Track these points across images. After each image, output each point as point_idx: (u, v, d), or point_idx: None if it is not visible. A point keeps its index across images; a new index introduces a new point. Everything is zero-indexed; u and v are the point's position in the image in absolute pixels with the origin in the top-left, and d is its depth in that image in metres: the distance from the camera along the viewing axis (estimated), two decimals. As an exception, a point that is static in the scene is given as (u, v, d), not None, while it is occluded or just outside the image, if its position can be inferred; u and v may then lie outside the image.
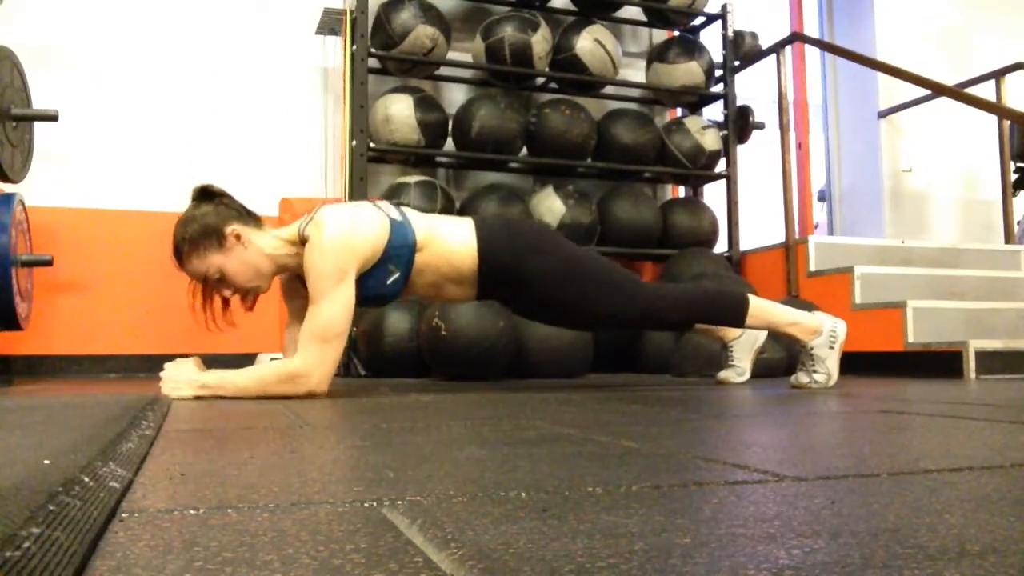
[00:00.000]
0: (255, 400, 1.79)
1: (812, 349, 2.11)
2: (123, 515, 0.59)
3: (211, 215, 1.92)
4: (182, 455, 0.91)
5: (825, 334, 2.11)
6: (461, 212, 3.55)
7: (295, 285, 2.10)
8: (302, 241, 1.91)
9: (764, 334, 2.40)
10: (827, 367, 2.10)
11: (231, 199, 1.99)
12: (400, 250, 1.94)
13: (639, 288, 2.12)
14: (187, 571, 0.44)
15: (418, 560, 0.46)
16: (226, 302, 1.98)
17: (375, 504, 0.62)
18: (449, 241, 2.00)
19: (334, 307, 1.84)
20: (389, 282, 1.96)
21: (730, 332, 2.39)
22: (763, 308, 2.14)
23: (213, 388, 1.84)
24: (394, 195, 3.40)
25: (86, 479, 0.66)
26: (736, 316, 2.14)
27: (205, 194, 1.97)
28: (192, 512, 0.60)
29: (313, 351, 1.83)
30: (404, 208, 2.05)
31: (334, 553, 0.47)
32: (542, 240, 2.08)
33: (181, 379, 1.86)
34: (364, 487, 0.69)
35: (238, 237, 1.92)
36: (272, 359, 3.23)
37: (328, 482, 0.72)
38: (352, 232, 1.86)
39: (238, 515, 0.59)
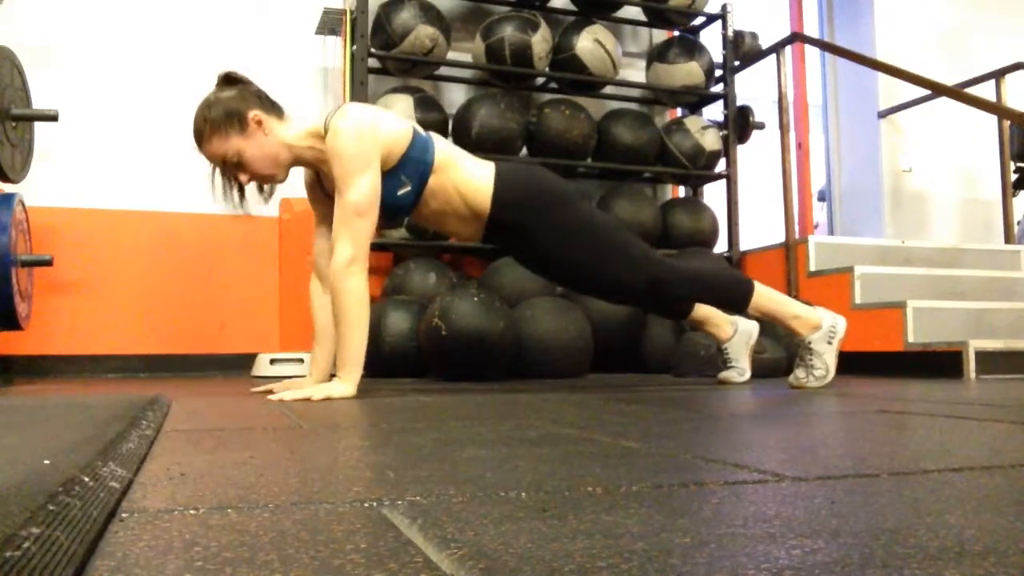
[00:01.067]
0: (255, 400, 1.79)
1: (810, 343, 2.11)
2: (123, 515, 0.59)
3: (235, 99, 1.93)
4: (182, 455, 0.91)
5: (824, 329, 2.11)
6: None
7: (318, 193, 2.13)
8: (326, 132, 1.92)
9: (755, 331, 2.40)
10: (824, 362, 2.10)
11: (255, 86, 2.00)
12: (416, 163, 1.96)
13: (648, 257, 2.11)
14: (187, 571, 0.44)
15: (418, 560, 0.46)
16: (241, 189, 2.00)
17: (375, 504, 0.62)
18: (466, 174, 2.02)
19: (361, 189, 1.86)
20: (400, 193, 1.97)
21: (722, 332, 2.39)
22: (768, 296, 2.14)
23: (358, 367, 1.91)
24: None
25: (86, 479, 0.66)
26: (740, 299, 2.13)
27: (230, 79, 1.99)
28: (192, 512, 0.60)
29: (348, 229, 1.86)
30: (431, 132, 2.07)
31: (334, 553, 0.47)
32: (559, 196, 2.08)
33: (334, 384, 1.90)
34: (364, 487, 0.69)
35: (260, 123, 1.93)
36: (272, 359, 3.24)
37: (328, 482, 0.72)
38: (375, 123, 1.90)
39: (238, 515, 0.59)
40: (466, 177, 2.02)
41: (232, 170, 1.95)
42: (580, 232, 2.06)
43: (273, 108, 1.98)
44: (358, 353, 1.89)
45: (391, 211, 2.02)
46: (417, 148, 1.96)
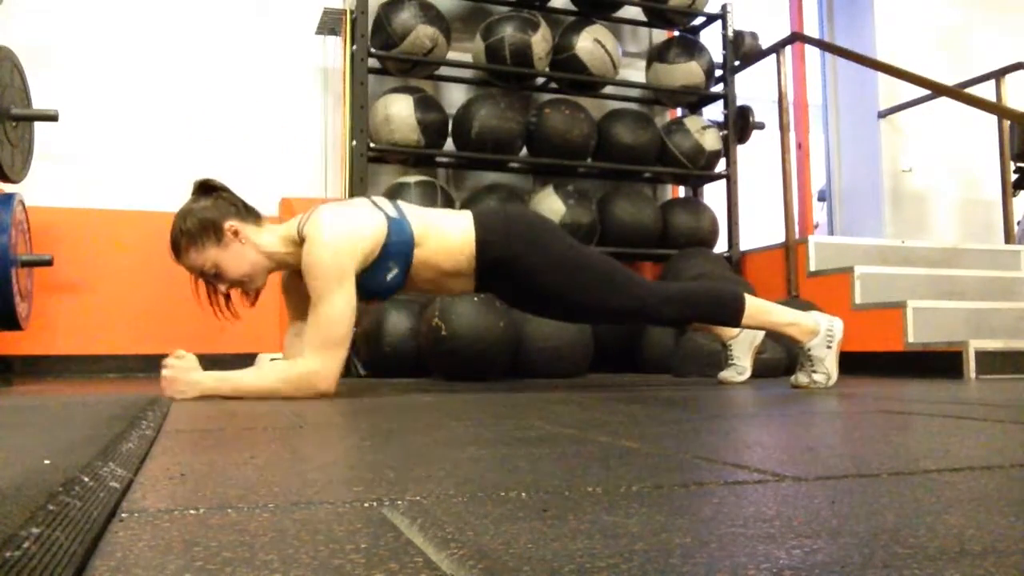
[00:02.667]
0: (255, 400, 1.79)
1: (810, 350, 2.11)
2: (123, 515, 0.59)
3: (210, 209, 1.92)
4: (182, 455, 0.91)
5: (822, 334, 2.11)
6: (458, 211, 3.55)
7: (295, 282, 2.10)
8: (300, 240, 1.91)
9: (762, 333, 2.40)
10: (826, 367, 2.10)
11: (231, 194, 1.99)
12: (398, 247, 1.94)
13: (633, 283, 2.12)
14: (187, 571, 0.44)
15: (418, 560, 0.46)
16: (228, 297, 2.00)
17: (375, 504, 0.62)
18: (446, 235, 2.01)
19: (336, 308, 1.84)
20: (388, 279, 1.97)
21: (728, 331, 2.39)
22: (760, 308, 2.14)
23: (216, 390, 1.83)
24: (394, 195, 3.40)
25: (86, 479, 0.66)
26: (732, 315, 2.14)
27: (205, 188, 1.98)
28: (192, 512, 0.60)
29: (318, 353, 1.84)
30: (401, 203, 2.05)
31: (334, 553, 0.47)
32: (538, 231, 2.08)
33: (184, 380, 1.84)
34: (364, 487, 0.69)
35: (236, 233, 1.92)
36: (272, 359, 3.24)
37: (328, 482, 0.72)
38: (350, 232, 1.87)
39: (238, 515, 0.59)
40: (447, 237, 2.00)
41: (211, 280, 1.95)
42: (563, 261, 2.06)
43: (249, 215, 1.97)
44: (238, 392, 1.84)
45: (384, 294, 2.03)
46: (395, 234, 1.93)
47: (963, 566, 0.43)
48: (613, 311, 2.14)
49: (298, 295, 2.09)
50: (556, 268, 2.05)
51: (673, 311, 2.14)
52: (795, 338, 2.13)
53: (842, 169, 5.03)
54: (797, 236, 3.72)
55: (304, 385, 1.84)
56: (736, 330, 2.38)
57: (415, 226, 1.97)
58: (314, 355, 1.84)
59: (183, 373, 1.84)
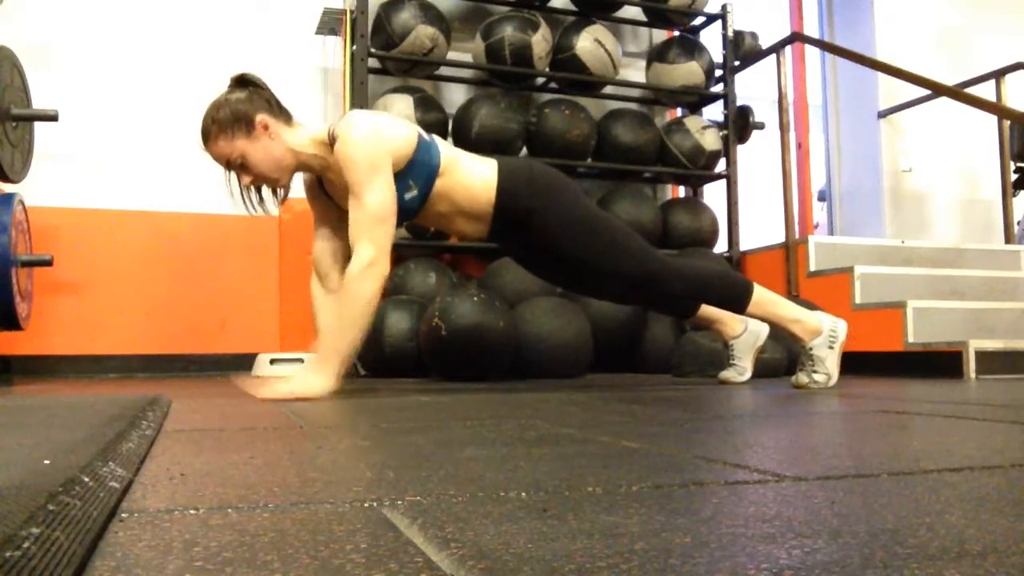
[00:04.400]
0: (255, 400, 1.79)
1: (811, 349, 2.11)
2: (123, 515, 0.59)
3: (244, 102, 1.94)
4: (182, 455, 0.91)
5: (825, 334, 2.11)
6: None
7: (318, 194, 2.12)
8: (332, 141, 1.93)
9: (765, 333, 2.39)
10: (827, 367, 2.10)
11: (266, 90, 2.02)
12: (423, 167, 1.97)
13: (647, 253, 2.12)
14: (187, 571, 0.44)
15: (418, 560, 0.46)
16: (259, 192, 2.02)
17: (375, 504, 0.62)
18: (470, 173, 2.03)
19: (377, 192, 1.86)
20: (407, 197, 1.98)
21: (731, 330, 2.38)
22: (767, 299, 2.13)
23: (340, 361, 1.85)
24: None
25: (86, 479, 0.66)
26: (739, 300, 2.13)
27: (241, 81, 2.00)
28: (192, 512, 0.60)
29: (367, 234, 1.85)
30: (432, 134, 2.08)
31: (334, 553, 0.47)
32: (560, 190, 2.10)
33: (310, 377, 1.86)
34: (364, 487, 0.69)
35: (266, 127, 1.94)
36: (272, 359, 3.24)
37: (328, 482, 0.72)
38: (382, 128, 1.91)
39: (238, 515, 0.59)
40: (471, 176, 2.04)
41: (236, 172, 1.97)
42: (580, 221, 2.08)
43: (281, 113, 2.00)
44: (347, 348, 1.87)
45: (399, 214, 2.02)
46: (423, 152, 1.97)
47: (963, 566, 0.43)
48: (623, 278, 2.11)
49: (322, 202, 2.12)
50: (572, 226, 2.07)
51: (683, 286, 2.13)
52: (797, 336, 2.13)
53: (842, 169, 5.03)
54: (797, 236, 3.72)
55: (367, 275, 1.84)
56: (740, 328, 2.38)
57: (444, 155, 2.01)
58: (364, 241, 1.85)
59: (299, 380, 1.85)
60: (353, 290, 1.85)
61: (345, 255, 2.08)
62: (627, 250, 2.09)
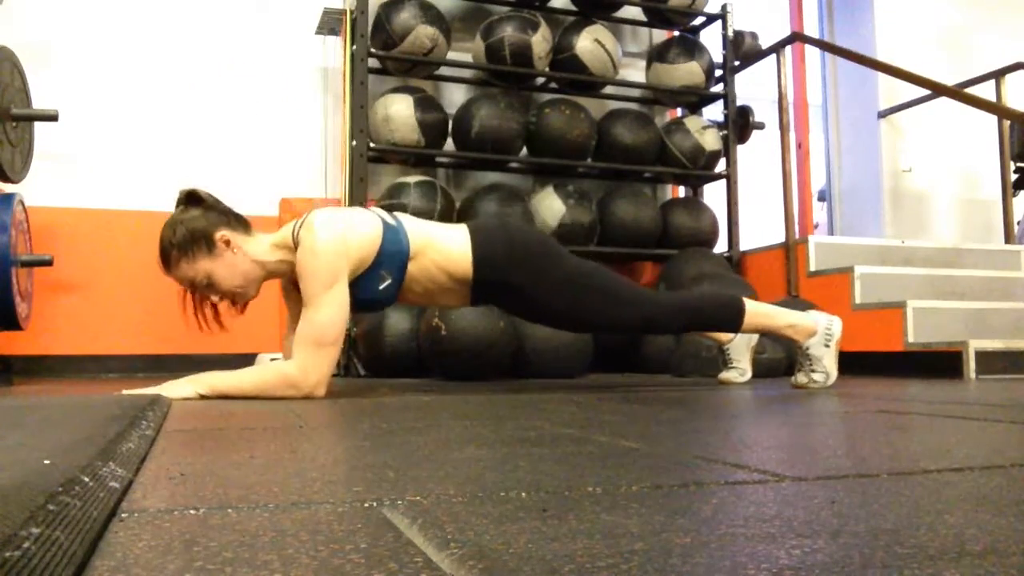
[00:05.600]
0: (255, 400, 1.79)
1: (808, 349, 2.11)
2: (123, 515, 0.59)
3: (199, 219, 1.88)
4: (182, 455, 0.91)
5: (820, 333, 2.11)
6: (461, 212, 3.54)
7: (293, 290, 2.08)
8: (295, 245, 1.89)
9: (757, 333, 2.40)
10: (824, 366, 2.10)
11: (219, 203, 1.95)
12: (392, 256, 1.92)
13: (640, 298, 2.11)
14: (187, 571, 0.44)
15: (418, 560, 0.46)
16: (215, 307, 1.97)
17: (375, 504, 0.62)
18: (444, 249, 1.98)
19: (328, 311, 1.82)
20: (381, 288, 1.94)
21: (724, 335, 2.40)
22: (759, 312, 2.15)
23: (213, 387, 1.83)
24: (394, 195, 3.40)
25: (86, 479, 0.66)
26: (733, 322, 2.14)
27: (192, 198, 1.93)
28: (192, 512, 0.60)
29: (308, 356, 1.82)
30: (399, 214, 2.03)
31: (334, 553, 0.47)
32: (540, 255, 2.04)
33: (182, 382, 1.85)
34: (364, 487, 0.69)
35: (227, 243, 1.89)
36: (272, 359, 3.24)
37: (328, 482, 0.72)
38: (344, 235, 1.84)
39: (238, 515, 0.59)
40: (444, 251, 1.98)
41: (203, 291, 1.92)
42: (566, 282, 2.04)
43: (240, 224, 1.94)
44: (234, 389, 1.82)
45: (374, 305, 2.01)
46: (390, 242, 1.91)
47: (963, 566, 0.43)
48: (621, 326, 2.15)
49: (297, 301, 2.06)
50: (559, 292, 2.03)
51: (681, 322, 2.16)
52: (793, 339, 2.14)
53: (842, 169, 5.03)
54: (797, 236, 3.72)
55: (291, 385, 1.82)
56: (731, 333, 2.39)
57: (412, 237, 1.95)
58: (303, 357, 1.82)
59: (180, 381, 1.84)
60: (276, 382, 1.82)
61: None
62: (618, 300, 2.07)
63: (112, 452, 0.83)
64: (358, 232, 1.87)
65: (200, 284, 1.90)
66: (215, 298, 1.93)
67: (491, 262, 1.99)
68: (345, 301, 1.85)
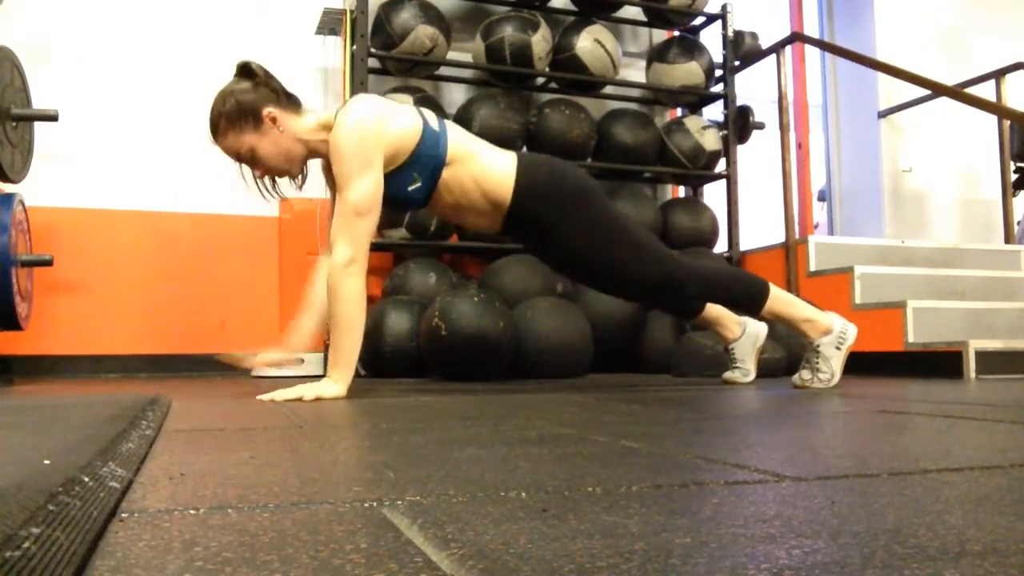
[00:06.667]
0: (255, 400, 1.79)
1: (819, 347, 2.10)
2: (123, 515, 0.59)
3: (250, 92, 1.92)
4: (182, 455, 0.91)
5: (835, 334, 2.10)
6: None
7: (333, 177, 2.11)
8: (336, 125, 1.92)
9: (764, 333, 2.40)
10: (831, 367, 2.10)
11: (272, 79, 1.98)
12: (427, 159, 1.94)
13: (663, 255, 2.10)
14: (187, 571, 0.44)
15: (418, 560, 0.46)
16: (273, 179, 2.01)
17: (375, 504, 0.62)
18: (485, 166, 2.00)
19: (361, 189, 1.84)
20: (410, 189, 1.96)
21: (730, 333, 2.39)
22: (783, 299, 2.13)
23: (350, 366, 1.85)
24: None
25: (86, 479, 0.66)
26: (755, 301, 2.12)
27: (246, 71, 1.96)
28: (192, 512, 0.60)
29: (348, 227, 1.83)
30: (448, 122, 2.04)
31: (334, 553, 0.47)
32: (581, 191, 2.06)
33: (323, 383, 1.84)
34: (364, 487, 0.69)
35: (274, 120, 1.92)
36: (273, 360, 3.23)
37: (328, 482, 0.72)
38: (379, 121, 1.87)
39: (238, 515, 0.59)
40: (485, 168, 2.00)
41: (247, 164, 1.96)
42: (598, 228, 2.04)
43: (289, 102, 1.97)
44: (351, 356, 1.87)
45: (403, 205, 2.02)
46: (427, 143, 1.93)
47: (963, 566, 0.43)
48: (640, 281, 2.09)
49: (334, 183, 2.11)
50: (590, 230, 2.04)
51: (698, 288, 2.12)
52: (807, 334, 2.12)
53: (842, 169, 5.03)
54: (797, 236, 3.72)
55: (348, 264, 1.83)
56: (738, 330, 2.38)
57: (452, 144, 1.97)
58: (342, 240, 1.84)
59: (307, 391, 1.82)
60: (337, 292, 1.84)
61: None
62: (646, 253, 2.07)
63: (112, 452, 0.83)
64: (395, 123, 1.90)
65: (244, 157, 1.94)
66: (257, 172, 1.97)
67: (531, 192, 2.01)
68: (379, 183, 1.87)
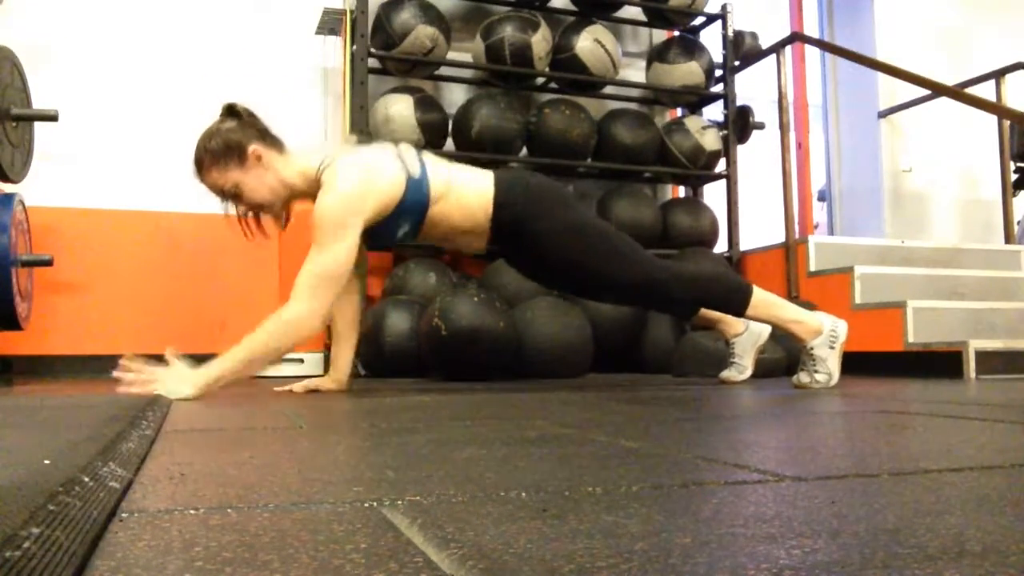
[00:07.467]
0: (255, 400, 1.79)
1: (812, 349, 2.11)
2: (123, 515, 0.59)
3: (236, 131, 1.95)
4: (182, 455, 0.91)
5: (825, 334, 2.11)
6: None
7: None
8: (319, 183, 1.93)
9: (767, 332, 2.40)
10: (828, 367, 2.10)
11: (256, 119, 2.01)
12: (412, 206, 1.97)
13: (646, 260, 2.13)
14: (187, 571, 0.44)
15: (418, 560, 0.46)
16: (257, 219, 2.03)
17: (375, 504, 0.62)
18: (465, 192, 2.04)
19: (333, 255, 1.86)
20: (399, 234, 2.02)
21: (732, 328, 2.39)
22: (767, 301, 2.13)
23: (215, 380, 1.81)
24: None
25: (86, 479, 0.66)
26: (739, 303, 2.13)
27: (232, 111, 1.99)
28: (192, 512, 0.60)
29: (307, 289, 1.85)
30: (426, 157, 2.06)
31: (334, 553, 0.47)
32: (558, 197, 2.11)
33: (178, 378, 1.82)
34: (364, 487, 0.69)
35: (259, 158, 1.95)
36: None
37: (328, 482, 0.72)
38: (364, 189, 1.90)
39: (238, 515, 0.59)
40: (467, 194, 2.04)
41: (231, 201, 1.98)
42: (578, 232, 2.09)
43: (274, 143, 2.00)
44: (230, 372, 1.81)
45: (393, 242, 2.08)
46: (412, 193, 1.96)
47: (963, 566, 0.43)
48: (623, 286, 2.12)
49: None
50: (569, 236, 2.08)
51: (683, 291, 2.13)
52: (798, 336, 2.13)
53: (842, 169, 5.03)
54: (797, 236, 3.72)
55: (291, 331, 1.84)
56: (741, 326, 2.37)
57: (434, 184, 2.00)
58: (302, 296, 1.85)
59: (175, 373, 1.81)
60: (271, 332, 1.83)
61: (359, 259, 2.12)
62: (626, 258, 2.10)
63: (112, 452, 0.83)
64: (379, 186, 1.92)
65: (228, 193, 1.96)
66: (240, 209, 1.99)
67: (510, 206, 2.05)
68: (354, 249, 1.89)
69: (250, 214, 2.02)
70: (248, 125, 1.97)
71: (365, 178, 1.91)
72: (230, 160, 1.93)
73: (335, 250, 1.86)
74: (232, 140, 1.93)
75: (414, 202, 1.97)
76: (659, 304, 2.31)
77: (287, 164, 1.99)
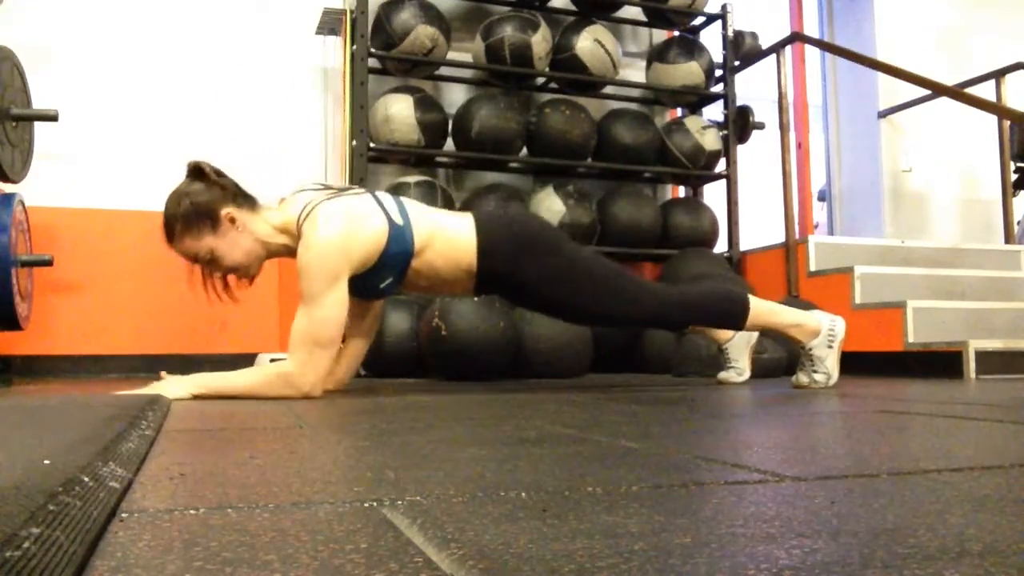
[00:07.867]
0: (255, 400, 1.79)
1: (811, 350, 2.11)
2: (123, 515, 0.59)
3: (205, 194, 1.87)
4: (182, 455, 0.91)
5: (823, 334, 2.11)
6: (461, 211, 3.55)
7: None
8: (298, 234, 1.88)
9: (757, 332, 2.40)
10: (826, 367, 2.10)
11: (224, 178, 1.93)
12: (396, 258, 1.91)
13: (640, 292, 2.09)
14: (187, 571, 0.44)
15: (418, 560, 0.46)
16: (225, 280, 1.97)
17: (375, 504, 0.62)
18: (449, 240, 1.97)
19: (326, 311, 1.81)
20: (382, 286, 1.96)
21: (723, 334, 2.39)
22: (764, 310, 2.14)
23: (207, 387, 1.82)
24: (394, 195, 3.40)
25: (86, 479, 0.66)
26: (737, 318, 2.13)
27: (197, 172, 1.91)
28: (192, 512, 0.60)
29: (305, 354, 1.81)
30: (407, 204, 2.00)
31: (334, 553, 0.47)
32: (542, 240, 2.04)
33: (175, 379, 1.85)
34: (364, 487, 0.69)
35: (233, 220, 1.88)
36: (272, 359, 3.23)
37: (328, 482, 0.72)
38: (347, 236, 1.83)
39: (238, 515, 0.59)
40: (449, 242, 1.97)
41: (206, 265, 1.92)
42: (569, 275, 2.03)
43: (246, 200, 1.93)
44: (228, 390, 1.82)
45: (377, 295, 2.04)
46: (395, 242, 1.89)
47: (963, 566, 0.43)
48: (622, 319, 2.13)
49: None
50: (559, 280, 2.02)
51: (683, 316, 2.14)
52: (797, 339, 2.13)
53: (842, 169, 5.03)
54: (797, 236, 3.72)
55: (287, 384, 1.81)
56: (731, 332, 2.38)
57: (418, 233, 1.93)
58: (300, 355, 1.81)
59: (175, 380, 1.84)
60: (271, 383, 1.81)
61: (363, 312, 2.13)
62: (620, 295, 2.06)
63: (112, 452, 0.83)
64: (362, 234, 1.85)
65: (203, 259, 1.90)
66: (217, 273, 1.94)
67: (494, 253, 1.99)
68: (345, 300, 1.84)
69: (217, 275, 1.95)
70: (216, 186, 1.88)
71: (348, 225, 1.83)
72: (203, 226, 1.85)
73: (328, 304, 1.80)
74: (202, 204, 1.85)
75: (398, 252, 1.90)
76: (654, 327, 2.26)
77: (262, 221, 1.92)
